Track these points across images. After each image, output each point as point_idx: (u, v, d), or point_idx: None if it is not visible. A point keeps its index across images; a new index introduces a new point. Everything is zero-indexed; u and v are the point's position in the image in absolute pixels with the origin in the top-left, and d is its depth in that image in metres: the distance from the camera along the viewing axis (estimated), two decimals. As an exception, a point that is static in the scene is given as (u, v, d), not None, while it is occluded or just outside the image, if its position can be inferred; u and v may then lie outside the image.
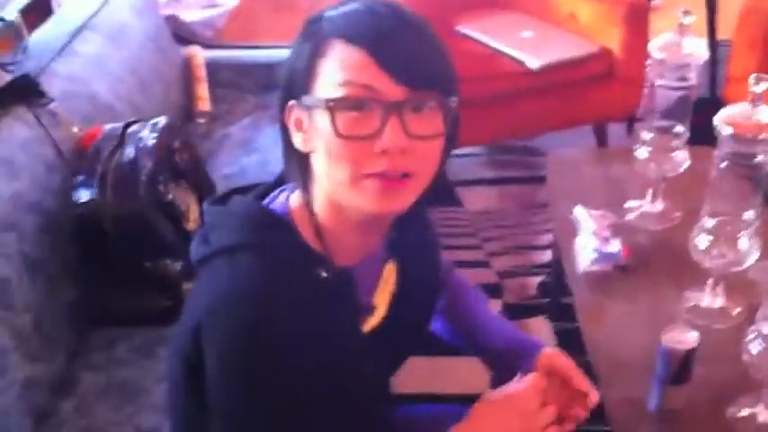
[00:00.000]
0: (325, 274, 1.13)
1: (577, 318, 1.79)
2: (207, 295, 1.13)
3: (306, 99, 1.09)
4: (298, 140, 1.13)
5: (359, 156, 1.06)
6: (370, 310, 1.25)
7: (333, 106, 1.05)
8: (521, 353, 1.40)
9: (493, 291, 2.70)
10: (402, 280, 1.29)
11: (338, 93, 1.06)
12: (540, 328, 2.55)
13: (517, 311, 2.63)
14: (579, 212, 1.98)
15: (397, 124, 1.06)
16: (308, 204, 1.16)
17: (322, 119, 1.07)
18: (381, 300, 1.26)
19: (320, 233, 1.15)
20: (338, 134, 1.06)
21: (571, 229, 1.98)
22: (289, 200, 1.19)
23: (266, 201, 1.20)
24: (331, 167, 1.08)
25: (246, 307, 1.08)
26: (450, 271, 1.51)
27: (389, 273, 1.28)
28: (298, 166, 1.15)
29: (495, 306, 2.63)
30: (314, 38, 1.09)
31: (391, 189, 1.08)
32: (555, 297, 2.53)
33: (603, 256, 1.86)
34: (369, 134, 1.06)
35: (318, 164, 1.11)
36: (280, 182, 1.23)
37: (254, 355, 1.08)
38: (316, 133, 1.09)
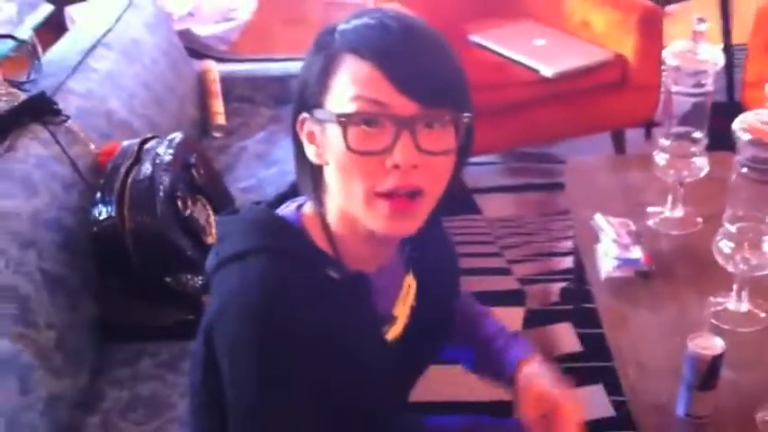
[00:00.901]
0: (336, 276, 1.12)
1: (601, 324, 1.78)
2: (217, 298, 1.13)
3: (318, 112, 1.09)
4: (311, 153, 1.13)
5: (370, 171, 1.06)
6: (390, 319, 1.24)
7: (344, 121, 1.05)
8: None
9: (515, 298, 2.69)
10: (420, 294, 1.28)
11: (350, 108, 1.05)
12: (565, 335, 2.53)
13: (541, 317, 2.61)
14: (599, 220, 1.98)
15: (409, 140, 1.05)
16: (320, 214, 1.16)
17: (334, 133, 1.07)
18: (401, 311, 1.26)
19: (332, 240, 1.15)
20: (349, 149, 1.05)
21: (592, 237, 1.97)
22: (301, 209, 1.19)
23: (279, 210, 1.21)
24: (344, 183, 1.08)
25: (256, 303, 1.07)
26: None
27: (409, 287, 1.28)
28: (311, 177, 1.15)
29: (518, 313, 2.62)
30: (325, 51, 1.09)
31: (402, 211, 1.08)
32: (578, 303, 2.52)
33: (625, 263, 1.85)
34: (380, 149, 1.05)
35: (331, 177, 1.11)
36: (293, 192, 1.23)
37: (266, 350, 1.07)
38: (328, 147, 1.09)
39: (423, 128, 1.06)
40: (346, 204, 1.10)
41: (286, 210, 1.20)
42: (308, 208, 1.18)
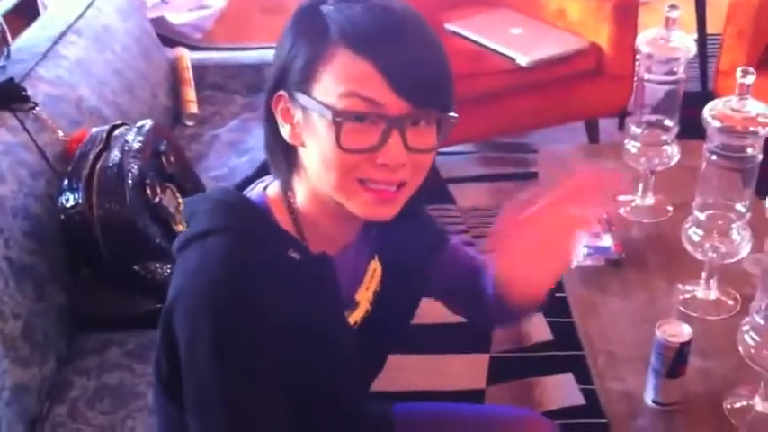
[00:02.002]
0: (298, 257, 1.11)
1: (572, 313, 1.78)
2: (178, 277, 1.11)
3: (301, 98, 1.07)
4: (285, 132, 1.11)
5: (356, 165, 1.06)
6: (351, 304, 1.24)
7: (340, 121, 1.04)
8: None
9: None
10: (386, 278, 1.28)
11: (341, 103, 1.04)
12: (536, 324, 2.54)
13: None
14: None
15: (398, 139, 1.05)
16: (285, 193, 1.15)
17: (321, 124, 1.06)
18: (364, 296, 1.26)
19: (297, 221, 1.14)
20: (339, 146, 1.04)
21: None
22: (267, 189, 1.18)
23: (245, 190, 1.20)
24: (326, 172, 1.08)
25: (214, 282, 1.06)
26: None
27: (374, 271, 1.27)
28: (283, 156, 1.14)
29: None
30: (317, 39, 1.06)
31: (386, 200, 1.09)
32: (549, 292, 2.51)
33: (595, 251, 1.85)
34: (369, 147, 1.05)
35: (310, 161, 1.10)
36: (260, 174, 1.22)
37: (223, 334, 1.05)
38: (311, 133, 1.08)
39: (410, 126, 1.06)
40: (325, 189, 1.10)
41: (252, 191, 1.19)
42: (274, 188, 1.17)
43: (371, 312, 1.26)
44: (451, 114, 1.10)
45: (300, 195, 1.15)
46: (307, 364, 1.11)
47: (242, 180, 1.25)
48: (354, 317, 1.24)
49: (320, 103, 1.05)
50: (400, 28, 1.06)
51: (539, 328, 2.52)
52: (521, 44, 3.01)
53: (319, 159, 1.08)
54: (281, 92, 1.10)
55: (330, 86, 1.05)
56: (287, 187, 1.15)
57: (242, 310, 1.05)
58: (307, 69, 1.07)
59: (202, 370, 1.06)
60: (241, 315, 1.06)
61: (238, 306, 1.05)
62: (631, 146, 1.92)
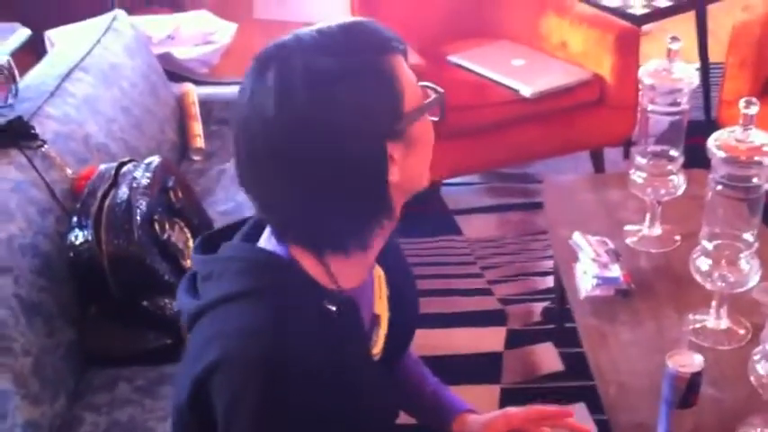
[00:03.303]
0: (333, 308, 1.11)
1: (582, 343, 1.78)
2: (216, 341, 1.09)
3: (401, 124, 1.09)
4: (395, 175, 1.10)
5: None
6: (376, 321, 1.24)
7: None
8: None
9: (496, 318, 2.68)
10: (390, 284, 1.28)
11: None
12: (547, 354, 2.53)
13: (522, 338, 2.61)
14: (578, 238, 1.98)
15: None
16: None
17: (421, 125, 1.12)
18: (382, 307, 1.26)
19: (326, 263, 1.13)
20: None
21: (570, 256, 1.97)
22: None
23: (261, 243, 1.17)
24: (426, 158, 1.15)
25: (262, 347, 1.05)
26: None
27: (380, 278, 1.27)
28: (382, 203, 1.12)
29: (499, 333, 2.62)
30: (372, 69, 1.07)
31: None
32: (559, 322, 2.51)
33: (604, 282, 1.85)
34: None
35: (412, 175, 1.13)
36: (261, 222, 1.19)
37: (272, 395, 1.05)
38: (416, 144, 1.11)
39: None
40: (425, 175, 1.16)
41: (269, 242, 1.16)
42: None
43: (391, 323, 1.25)
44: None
45: None
46: (344, 409, 1.10)
47: (248, 227, 1.23)
48: (382, 331, 1.24)
49: (420, 107, 1.12)
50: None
51: (549, 359, 2.51)
52: (524, 75, 3.03)
53: (424, 158, 1.14)
54: (391, 142, 1.08)
55: (410, 88, 1.10)
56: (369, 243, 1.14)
57: (292, 375, 1.05)
58: (391, 95, 1.08)
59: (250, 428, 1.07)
60: (291, 381, 1.05)
61: (288, 375, 1.05)
62: (637, 176, 1.93)
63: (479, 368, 2.47)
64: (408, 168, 1.11)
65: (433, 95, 1.14)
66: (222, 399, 1.07)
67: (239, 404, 1.06)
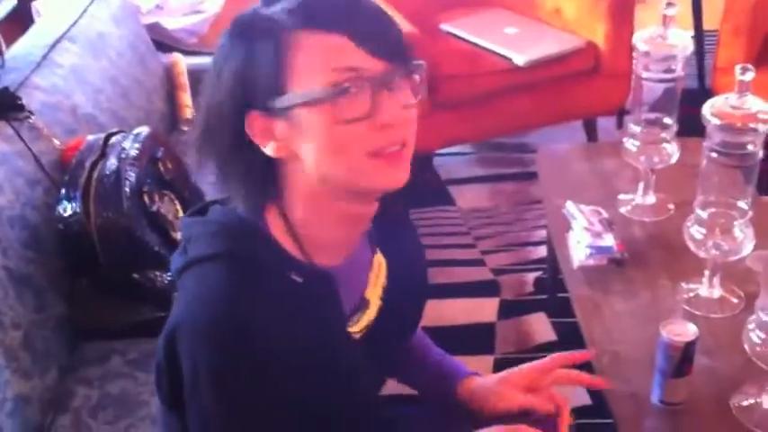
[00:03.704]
0: (299, 279, 1.10)
1: (575, 313, 1.77)
2: (181, 303, 1.11)
3: (281, 101, 1.05)
4: (270, 150, 1.08)
5: (363, 136, 1.05)
6: (363, 305, 1.23)
7: (326, 97, 1.03)
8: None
9: (489, 288, 2.68)
10: (391, 274, 1.27)
11: (324, 81, 1.04)
12: (541, 325, 2.53)
13: (515, 308, 2.60)
14: (571, 208, 1.97)
15: (390, 97, 1.06)
16: (281, 210, 1.13)
17: (312, 117, 1.04)
18: (374, 294, 1.25)
19: (297, 238, 1.13)
20: (339, 121, 1.04)
21: (564, 225, 1.96)
22: (265, 208, 1.15)
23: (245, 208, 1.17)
24: (333, 161, 1.06)
25: (213, 313, 1.06)
26: None
27: (379, 265, 1.27)
28: (261, 178, 1.11)
29: (492, 304, 2.61)
30: (275, 36, 1.05)
31: (396, 161, 1.09)
32: (552, 293, 2.51)
33: (597, 251, 1.84)
34: (367, 113, 1.04)
35: (309, 164, 1.07)
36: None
37: (225, 366, 1.05)
38: (302, 135, 1.06)
39: (396, 84, 1.07)
40: (340, 177, 1.08)
41: (251, 209, 1.15)
42: (271, 205, 1.15)
43: (382, 311, 1.24)
44: (420, 62, 1.11)
45: (297, 209, 1.12)
46: (313, 385, 1.09)
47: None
48: (366, 318, 1.22)
49: (304, 94, 1.04)
50: None
51: (543, 329, 2.51)
52: (517, 44, 3.00)
53: (324, 153, 1.06)
54: (253, 112, 1.07)
55: (307, 72, 1.04)
56: (281, 203, 1.13)
57: (243, 343, 1.05)
58: (276, 69, 1.05)
59: (205, 400, 1.06)
60: (242, 348, 1.05)
61: (240, 339, 1.05)
62: (630, 144, 1.92)
63: (473, 339, 2.47)
64: (305, 155, 1.07)
65: (336, 90, 1.03)
66: (184, 362, 1.07)
67: (196, 371, 1.06)
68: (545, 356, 1.41)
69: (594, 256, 1.84)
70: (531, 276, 2.74)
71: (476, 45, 3.05)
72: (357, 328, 1.21)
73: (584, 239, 1.87)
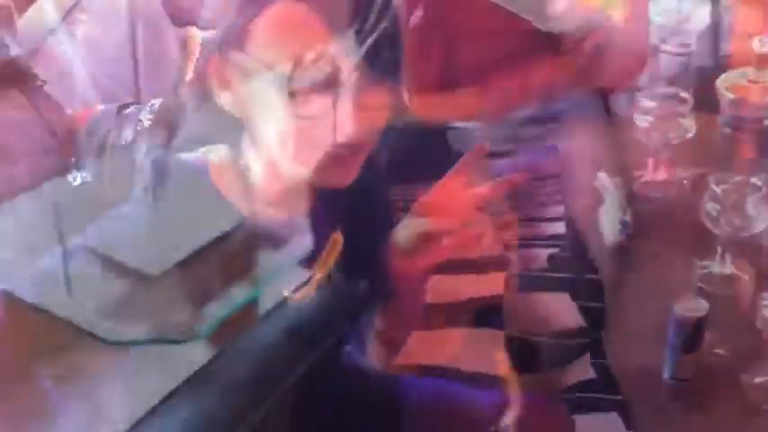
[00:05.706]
0: None
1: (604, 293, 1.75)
2: None
3: (243, 60, 1.04)
4: (225, 100, 1.07)
5: (314, 133, 1.04)
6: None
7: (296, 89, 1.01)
8: None
9: (499, 263, 2.65)
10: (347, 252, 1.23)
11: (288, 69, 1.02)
12: (564, 305, 2.49)
13: (526, 282, 2.57)
14: (604, 180, 1.92)
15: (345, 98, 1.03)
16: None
17: (273, 94, 1.03)
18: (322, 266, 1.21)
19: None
20: (299, 115, 1.03)
21: (592, 200, 1.92)
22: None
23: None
24: (284, 142, 1.05)
25: None
26: None
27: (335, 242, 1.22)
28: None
29: (500, 278, 2.58)
30: None
31: (344, 163, 1.07)
32: (568, 271, 2.47)
33: (624, 227, 1.81)
34: (323, 111, 1.03)
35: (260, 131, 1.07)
36: None
37: None
38: (258, 102, 1.05)
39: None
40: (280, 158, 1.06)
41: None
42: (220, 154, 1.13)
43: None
44: None
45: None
46: None
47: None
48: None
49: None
50: None
51: (569, 312, 2.48)
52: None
53: (275, 132, 1.05)
54: (216, 54, 1.07)
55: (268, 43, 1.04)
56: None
57: None
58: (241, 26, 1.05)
59: None
60: None
61: None
62: (642, 120, 1.89)
63: (482, 313, 2.45)
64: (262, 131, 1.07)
65: None
66: None
67: None
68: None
69: (621, 232, 1.81)
70: (543, 252, 2.71)
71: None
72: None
73: (617, 215, 1.83)
